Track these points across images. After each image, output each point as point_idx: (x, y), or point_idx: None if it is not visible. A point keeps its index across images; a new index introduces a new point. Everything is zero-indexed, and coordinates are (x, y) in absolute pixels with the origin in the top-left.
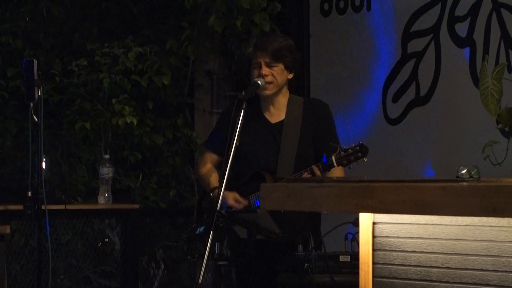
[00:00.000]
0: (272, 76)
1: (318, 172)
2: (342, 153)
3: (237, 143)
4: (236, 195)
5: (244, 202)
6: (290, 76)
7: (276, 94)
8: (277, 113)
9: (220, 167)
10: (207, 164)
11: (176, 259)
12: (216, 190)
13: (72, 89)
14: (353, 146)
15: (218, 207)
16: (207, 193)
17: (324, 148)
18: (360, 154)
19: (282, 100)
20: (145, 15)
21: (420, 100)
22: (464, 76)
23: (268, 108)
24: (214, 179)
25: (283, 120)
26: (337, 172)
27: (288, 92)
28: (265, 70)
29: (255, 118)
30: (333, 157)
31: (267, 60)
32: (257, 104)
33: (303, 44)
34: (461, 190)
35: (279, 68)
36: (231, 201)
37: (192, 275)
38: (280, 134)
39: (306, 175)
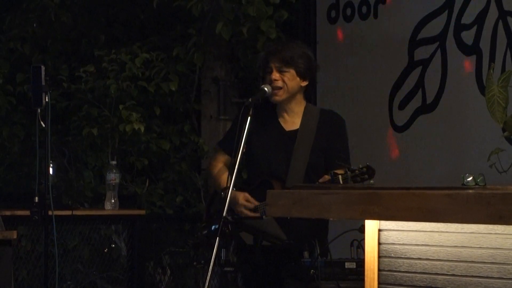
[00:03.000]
0: (283, 81)
1: None
2: (349, 173)
3: (244, 150)
4: (247, 195)
5: (255, 202)
6: (304, 83)
7: (289, 100)
8: (291, 120)
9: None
10: (219, 164)
11: (182, 265)
12: (227, 191)
13: (80, 95)
14: (360, 167)
15: (224, 213)
16: (217, 194)
17: (333, 163)
18: (366, 176)
19: (297, 108)
20: (152, 22)
21: (427, 108)
22: (470, 84)
23: (283, 114)
24: (225, 179)
25: (297, 129)
26: None
27: (304, 101)
28: (275, 75)
29: (269, 124)
30: (340, 177)
31: (278, 65)
32: (273, 109)
33: None
34: (467, 198)
35: (290, 73)
36: (241, 201)
37: (198, 281)
38: (293, 142)
39: None
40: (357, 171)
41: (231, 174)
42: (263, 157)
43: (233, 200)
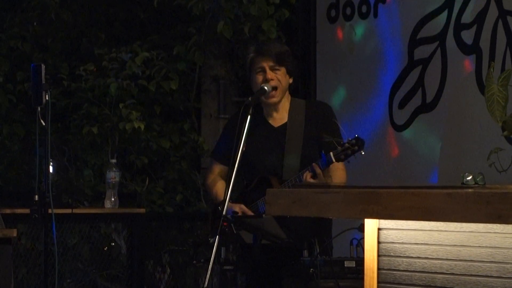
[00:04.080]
0: (278, 80)
1: (318, 170)
2: (339, 148)
3: (244, 148)
4: (243, 207)
5: (251, 214)
6: (291, 80)
7: (280, 100)
8: (279, 117)
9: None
10: (212, 175)
11: (182, 263)
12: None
13: (80, 93)
14: (349, 139)
15: (224, 212)
16: (217, 207)
17: (326, 146)
18: (356, 147)
19: (285, 104)
20: (152, 21)
21: (426, 107)
22: (470, 83)
23: (271, 113)
24: (220, 191)
25: (285, 123)
26: (338, 168)
27: (290, 96)
28: (270, 74)
29: (258, 124)
30: (331, 153)
31: (271, 64)
32: (259, 110)
33: (310, 50)
34: (466, 197)
35: (282, 72)
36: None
37: (197, 279)
38: (284, 137)
39: (307, 173)
40: (347, 145)
41: (230, 174)
42: (256, 157)
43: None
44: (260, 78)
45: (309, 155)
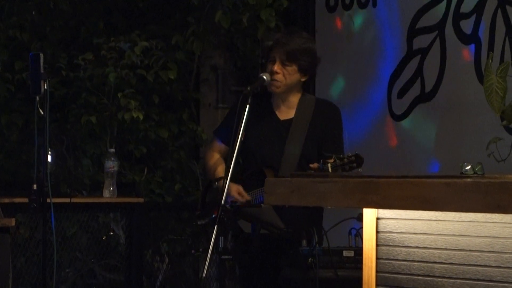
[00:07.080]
0: (283, 75)
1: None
2: (337, 161)
3: (242, 138)
4: (240, 188)
5: (246, 197)
6: (304, 78)
7: (286, 92)
8: (287, 110)
9: (227, 158)
10: (215, 154)
11: (180, 253)
12: (221, 181)
13: (78, 83)
14: (349, 155)
15: (222, 201)
16: (212, 183)
17: (325, 151)
18: (355, 164)
19: (293, 98)
20: (151, 10)
21: (425, 96)
22: (469, 73)
23: (279, 105)
24: (220, 170)
25: (292, 118)
26: None
27: (301, 92)
28: (277, 67)
29: (265, 113)
30: (329, 165)
31: (282, 57)
32: (269, 99)
33: None
34: (465, 186)
35: (292, 68)
36: (234, 193)
37: (196, 269)
38: (287, 131)
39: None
40: (345, 160)
41: (228, 162)
42: (257, 146)
43: (227, 190)
44: (269, 67)
45: (308, 154)
